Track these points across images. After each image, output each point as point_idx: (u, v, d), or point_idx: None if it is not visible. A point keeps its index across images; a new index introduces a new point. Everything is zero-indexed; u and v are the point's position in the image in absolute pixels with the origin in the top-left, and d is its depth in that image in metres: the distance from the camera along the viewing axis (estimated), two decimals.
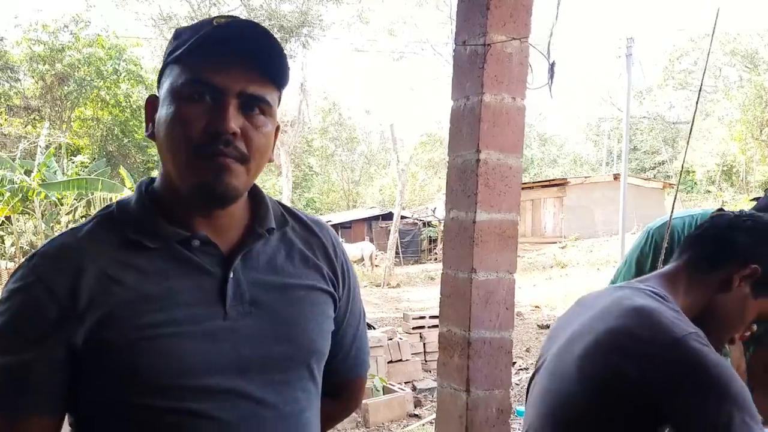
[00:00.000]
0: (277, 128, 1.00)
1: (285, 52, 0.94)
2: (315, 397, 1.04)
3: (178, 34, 0.96)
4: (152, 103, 0.98)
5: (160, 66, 0.98)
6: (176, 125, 0.90)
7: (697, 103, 2.10)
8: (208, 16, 1.01)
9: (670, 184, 26.47)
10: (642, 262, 1.96)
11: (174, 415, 0.89)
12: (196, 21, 1.02)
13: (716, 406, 1.06)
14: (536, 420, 1.28)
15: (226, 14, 1.00)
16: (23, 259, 0.94)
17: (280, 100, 0.99)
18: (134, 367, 0.87)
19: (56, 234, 0.97)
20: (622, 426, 1.16)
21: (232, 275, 0.95)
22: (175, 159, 0.92)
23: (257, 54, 0.91)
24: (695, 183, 32.04)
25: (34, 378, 0.88)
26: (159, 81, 0.98)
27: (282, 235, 1.04)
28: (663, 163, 37.32)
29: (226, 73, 0.90)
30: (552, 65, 2.48)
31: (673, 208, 1.75)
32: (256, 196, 1.04)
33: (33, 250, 0.96)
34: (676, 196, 1.81)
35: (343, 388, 1.17)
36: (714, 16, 2.13)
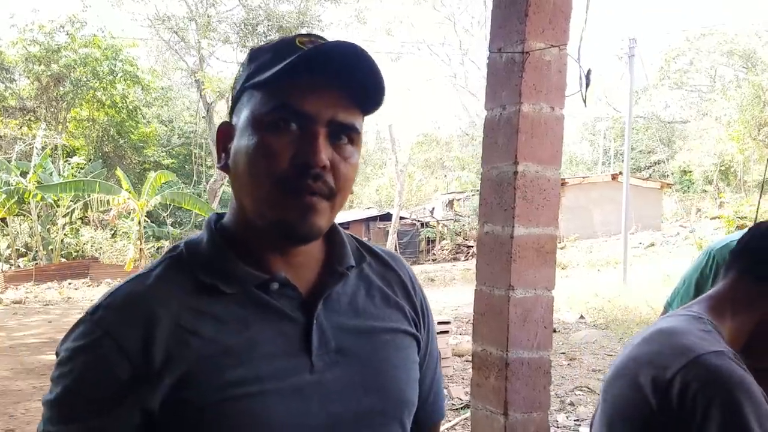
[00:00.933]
0: None
1: (383, 75, 0.83)
2: None
3: (255, 55, 0.86)
4: (225, 131, 0.88)
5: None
6: (259, 156, 0.80)
7: None
8: (287, 34, 0.88)
9: (668, 185, 26.49)
10: (702, 284, 1.87)
11: None
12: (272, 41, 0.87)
13: (740, 427, 0.98)
14: None
15: (308, 33, 0.87)
16: (83, 313, 0.82)
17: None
18: (218, 431, 0.78)
19: (121, 282, 0.85)
20: None
21: (315, 321, 0.85)
22: (256, 193, 0.82)
23: (351, 78, 0.81)
24: (692, 182, 32.07)
25: None
26: (233, 107, 0.88)
27: (359, 272, 0.94)
28: (659, 163, 37.36)
29: (316, 98, 0.80)
30: (588, 73, 2.39)
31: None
32: (331, 230, 0.93)
33: (96, 304, 0.83)
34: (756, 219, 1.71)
35: None
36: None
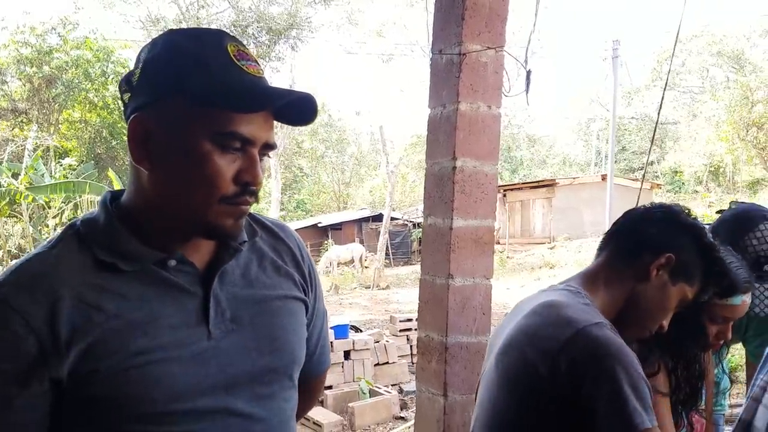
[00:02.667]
0: None
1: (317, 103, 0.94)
2: (295, 403, 1.07)
3: (180, 51, 0.89)
4: (144, 127, 0.90)
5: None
6: (207, 174, 0.88)
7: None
8: (208, 25, 0.95)
9: (658, 185, 26.64)
10: None
11: None
12: (194, 37, 0.91)
13: (615, 392, 1.09)
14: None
15: (235, 38, 0.94)
16: None
17: None
18: (124, 397, 0.87)
19: (19, 260, 0.90)
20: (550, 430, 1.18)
21: (212, 293, 0.95)
22: (195, 202, 0.90)
23: (296, 116, 0.94)
24: (683, 183, 32.24)
25: (16, 416, 0.85)
26: (150, 104, 0.90)
27: (252, 245, 1.05)
28: (651, 164, 37.51)
29: (257, 125, 0.90)
30: (528, 73, 2.52)
31: None
32: None
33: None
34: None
35: (307, 386, 1.18)
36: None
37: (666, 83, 4.12)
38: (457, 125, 2.31)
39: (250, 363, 0.97)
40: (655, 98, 39.16)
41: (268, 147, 0.93)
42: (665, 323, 1.33)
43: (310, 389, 1.22)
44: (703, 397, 1.65)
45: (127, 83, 0.93)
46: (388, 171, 21.20)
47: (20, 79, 23.45)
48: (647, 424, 1.09)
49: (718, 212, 2.00)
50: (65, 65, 22.92)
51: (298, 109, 0.92)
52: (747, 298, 1.54)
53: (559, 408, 1.15)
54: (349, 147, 40.45)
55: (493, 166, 2.39)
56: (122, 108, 0.96)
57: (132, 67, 0.94)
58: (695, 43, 32.16)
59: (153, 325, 0.89)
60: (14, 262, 0.92)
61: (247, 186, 0.90)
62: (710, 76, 34.08)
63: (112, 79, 24.08)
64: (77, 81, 23.23)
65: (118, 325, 0.87)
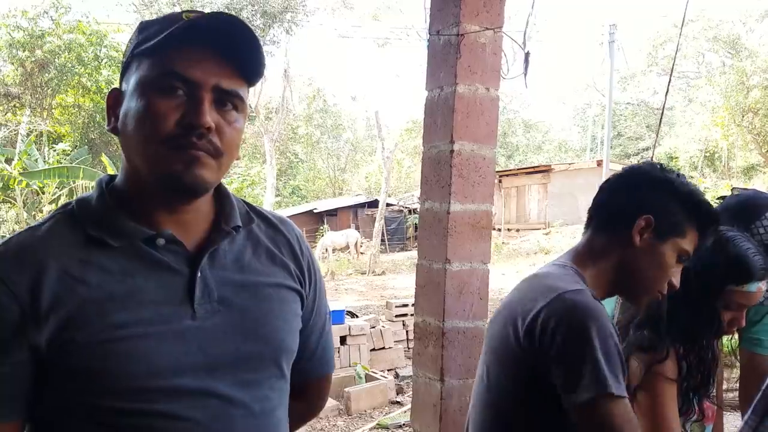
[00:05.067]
0: None
1: (262, 46, 0.93)
2: (285, 396, 1.04)
3: (144, 27, 0.94)
4: (115, 96, 0.96)
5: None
6: (147, 118, 0.88)
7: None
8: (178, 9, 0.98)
9: None
10: None
11: (143, 417, 0.87)
12: (170, 12, 0.98)
13: (586, 353, 1.09)
14: (474, 411, 1.33)
15: (195, 9, 0.98)
16: None
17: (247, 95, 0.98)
18: (101, 369, 0.86)
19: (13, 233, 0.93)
20: (538, 405, 1.19)
21: (199, 273, 0.94)
22: (145, 152, 0.90)
23: (233, 48, 0.90)
24: (678, 169, 32.24)
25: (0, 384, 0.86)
26: (123, 74, 0.96)
27: (248, 233, 1.04)
28: (647, 149, 37.49)
29: (201, 67, 0.89)
30: (527, 55, 2.48)
31: None
32: (221, 192, 1.03)
33: None
34: None
35: (309, 387, 1.16)
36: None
37: (671, 72, 4.08)
38: (455, 107, 2.27)
39: (233, 346, 0.95)
40: (650, 83, 39.10)
41: (227, 93, 0.91)
42: (675, 281, 1.32)
43: (314, 391, 1.20)
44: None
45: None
46: (383, 156, 21.10)
47: (12, 64, 23.23)
48: (612, 389, 1.08)
49: (719, 198, 1.98)
50: (58, 49, 22.71)
51: (243, 48, 0.91)
52: (763, 285, 1.54)
53: (538, 375, 1.16)
54: (344, 132, 40.31)
55: (491, 150, 2.36)
56: None
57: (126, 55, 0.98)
58: (691, 27, 32.01)
59: (134, 299, 0.89)
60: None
61: (191, 128, 0.88)
62: (706, 61, 34.02)
63: (105, 63, 23.87)
64: (70, 65, 23.04)
65: (99, 297, 0.87)
